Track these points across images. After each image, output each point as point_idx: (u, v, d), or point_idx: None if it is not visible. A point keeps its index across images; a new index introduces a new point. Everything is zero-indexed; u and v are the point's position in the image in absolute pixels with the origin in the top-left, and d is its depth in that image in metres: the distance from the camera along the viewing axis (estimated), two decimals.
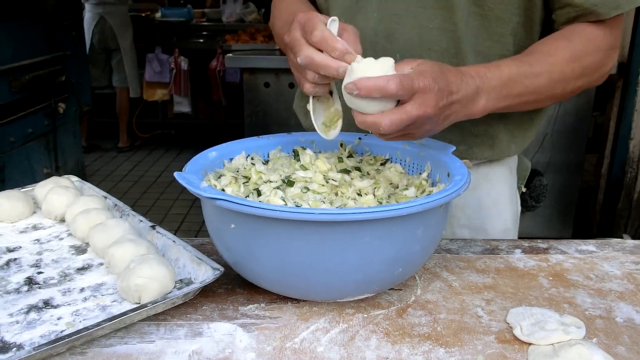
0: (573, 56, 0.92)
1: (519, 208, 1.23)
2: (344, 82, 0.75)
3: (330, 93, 0.87)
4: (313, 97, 0.86)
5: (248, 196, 0.82)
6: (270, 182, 0.84)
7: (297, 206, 0.78)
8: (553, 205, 3.21)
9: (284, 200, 0.79)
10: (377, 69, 0.74)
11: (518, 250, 0.98)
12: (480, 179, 1.12)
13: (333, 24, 0.80)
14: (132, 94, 5.48)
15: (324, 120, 0.88)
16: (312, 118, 0.86)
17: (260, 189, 0.83)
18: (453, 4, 0.96)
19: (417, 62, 0.77)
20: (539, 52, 0.92)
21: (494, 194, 1.14)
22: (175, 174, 0.75)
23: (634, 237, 2.78)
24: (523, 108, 0.97)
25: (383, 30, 1.01)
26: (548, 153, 3.08)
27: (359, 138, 0.98)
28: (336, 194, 0.85)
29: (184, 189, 0.74)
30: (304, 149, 0.95)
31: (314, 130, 1.08)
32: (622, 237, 1.07)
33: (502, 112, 0.93)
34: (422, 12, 0.98)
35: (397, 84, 0.72)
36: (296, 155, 0.93)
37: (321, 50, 0.79)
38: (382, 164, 0.94)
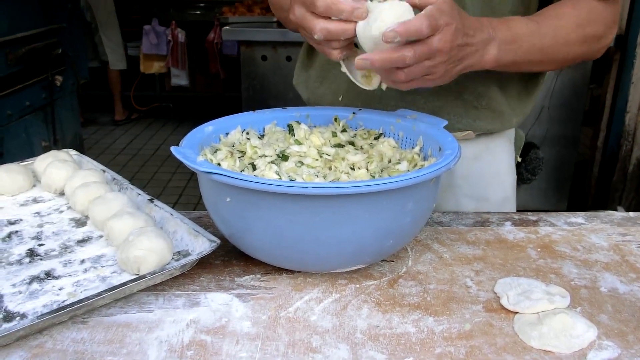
0: (578, 22, 0.96)
1: (515, 177, 1.26)
2: (367, 27, 0.76)
3: (355, 45, 0.85)
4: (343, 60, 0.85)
5: (243, 170, 0.84)
6: (265, 156, 0.86)
7: (291, 180, 0.80)
8: (549, 178, 3.23)
9: (278, 175, 0.81)
10: (397, 7, 0.75)
11: (508, 223, 1.00)
12: (482, 149, 1.15)
13: None
14: (112, 66, 5.43)
15: (362, 74, 0.88)
16: (351, 78, 0.86)
17: (255, 163, 0.84)
18: None
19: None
20: (547, 15, 0.96)
21: (495, 163, 1.18)
22: (172, 149, 0.77)
23: (628, 210, 2.81)
24: (527, 67, 1.00)
25: None
26: (544, 126, 3.09)
27: (353, 113, 0.99)
28: (330, 168, 0.86)
29: (182, 162, 0.76)
30: (299, 123, 0.97)
31: (314, 104, 1.09)
32: (616, 210, 1.08)
33: (508, 69, 0.96)
34: None
35: (428, 25, 0.74)
36: (291, 130, 0.95)
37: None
38: (375, 138, 0.96)
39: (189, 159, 0.75)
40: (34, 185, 1.09)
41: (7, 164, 1.08)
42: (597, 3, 0.98)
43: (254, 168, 0.83)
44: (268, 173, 0.81)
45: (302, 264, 0.80)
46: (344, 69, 0.85)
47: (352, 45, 0.83)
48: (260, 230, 0.75)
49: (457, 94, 1.07)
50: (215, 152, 0.88)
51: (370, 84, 0.87)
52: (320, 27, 0.78)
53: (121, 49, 5.47)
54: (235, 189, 0.72)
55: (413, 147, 0.92)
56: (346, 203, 0.71)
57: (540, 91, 1.18)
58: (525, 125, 3.05)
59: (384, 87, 0.86)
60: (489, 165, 1.17)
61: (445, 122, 0.91)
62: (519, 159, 1.27)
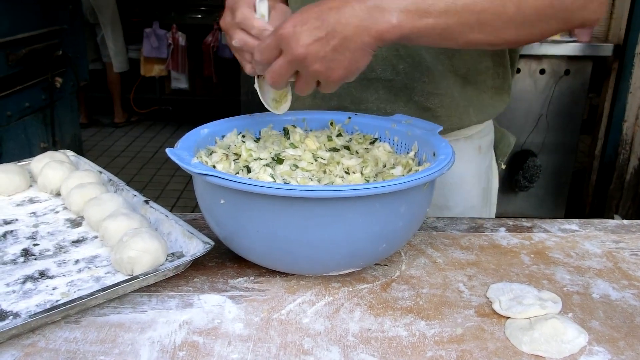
0: None
1: (495, 185, 1.24)
2: None
3: None
4: (258, 76, 0.87)
5: (238, 173, 0.84)
6: (260, 159, 0.86)
7: (285, 183, 0.80)
8: (546, 186, 3.23)
9: (273, 177, 0.81)
10: None
11: (502, 229, 1.00)
12: None
13: (262, 4, 0.83)
14: (116, 69, 5.44)
15: (274, 97, 0.91)
16: (260, 96, 0.88)
17: (250, 166, 0.85)
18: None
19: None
20: None
21: (457, 172, 1.13)
22: (167, 150, 0.77)
23: (624, 218, 2.81)
24: (468, 36, 0.77)
25: None
26: (542, 134, 3.10)
27: (349, 117, 1.00)
28: (324, 172, 0.87)
29: (176, 163, 0.77)
30: (295, 127, 0.97)
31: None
32: (613, 218, 1.08)
33: (435, 41, 0.78)
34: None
35: (258, 51, 0.77)
36: (286, 134, 0.95)
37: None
38: (371, 143, 0.96)
39: (183, 160, 0.75)
40: (31, 186, 1.09)
41: (4, 164, 1.08)
42: None
43: (249, 171, 0.84)
44: (262, 176, 0.81)
45: (295, 266, 0.80)
46: (256, 85, 0.88)
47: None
48: (254, 233, 0.75)
49: (408, 97, 1.05)
50: (211, 154, 0.88)
51: (279, 109, 0.90)
52: (240, 36, 0.82)
53: (124, 52, 5.48)
54: (229, 191, 0.73)
55: (408, 152, 0.93)
56: (340, 206, 0.71)
57: (510, 81, 1.11)
58: (523, 133, 3.06)
59: (282, 111, 0.91)
60: (451, 172, 1.12)
61: (440, 128, 0.92)
62: (503, 166, 1.25)
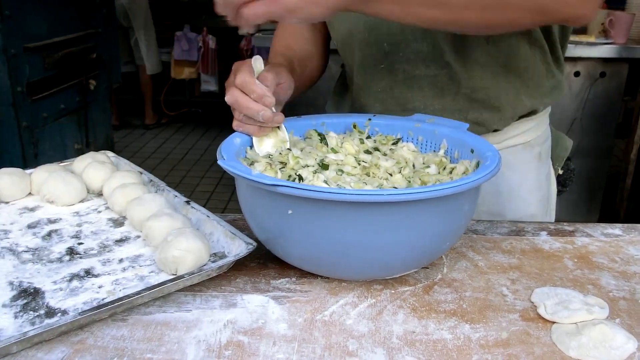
0: None
1: (553, 190, 1.22)
2: None
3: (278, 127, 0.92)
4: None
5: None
6: (308, 166, 0.85)
7: (339, 187, 0.79)
8: (580, 190, 3.18)
9: (326, 183, 0.80)
10: None
11: (544, 233, 0.99)
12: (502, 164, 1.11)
13: (257, 62, 0.90)
14: (148, 71, 5.49)
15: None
16: (257, 150, 0.90)
17: (300, 173, 0.83)
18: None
19: None
20: None
21: (515, 180, 1.13)
22: (220, 163, 0.76)
23: None
24: (425, 10, 0.77)
25: None
26: (577, 137, 3.05)
27: (369, 119, 0.99)
28: (367, 175, 0.86)
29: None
30: (327, 132, 0.97)
31: None
32: None
33: (391, 6, 0.77)
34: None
35: None
36: (322, 139, 0.95)
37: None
38: (393, 144, 0.96)
39: (244, 172, 0.73)
40: None
41: (47, 165, 1.10)
42: None
43: (301, 178, 0.82)
44: (317, 182, 0.80)
45: (363, 272, 0.80)
46: (254, 141, 0.90)
47: (257, 128, 0.89)
48: (320, 240, 0.74)
49: (456, 91, 1.04)
50: (252, 164, 0.87)
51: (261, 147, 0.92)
52: (233, 93, 0.85)
53: (157, 54, 5.53)
54: (296, 200, 0.71)
55: (435, 151, 0.93)
56: (413, 208, 0.71)
57: (556, 67, 1.08)
58: None
59: (273, 150, 0.91)
60: (507, 181, 1.12)
61: (467, 125, 0.92)
62: (560, 171, 1.23)
